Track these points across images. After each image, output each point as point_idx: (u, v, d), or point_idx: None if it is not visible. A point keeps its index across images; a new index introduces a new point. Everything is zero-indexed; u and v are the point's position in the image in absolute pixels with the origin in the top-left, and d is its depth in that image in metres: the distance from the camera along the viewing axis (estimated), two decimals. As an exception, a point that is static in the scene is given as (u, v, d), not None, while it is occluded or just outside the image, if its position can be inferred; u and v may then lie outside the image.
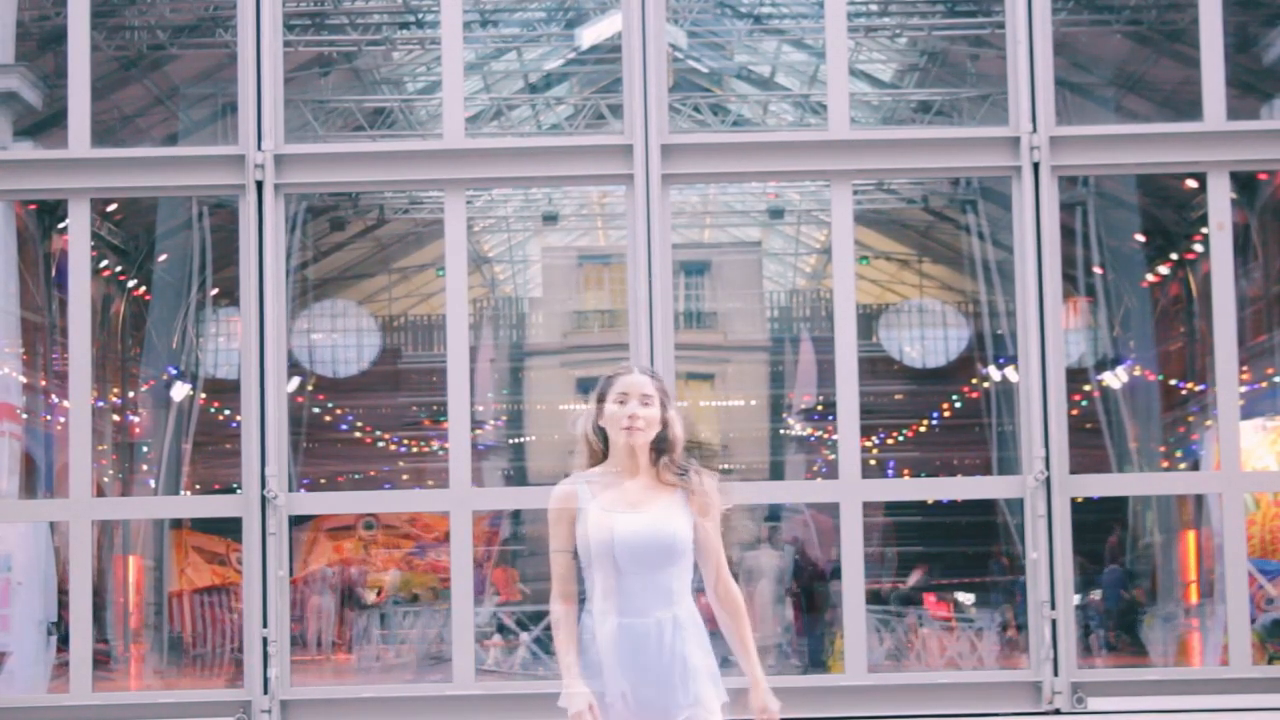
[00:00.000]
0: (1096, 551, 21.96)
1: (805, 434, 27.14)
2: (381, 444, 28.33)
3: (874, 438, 26.31)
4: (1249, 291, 19.98)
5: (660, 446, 6.39)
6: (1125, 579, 21.36)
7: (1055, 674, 15.02)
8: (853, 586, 15.43)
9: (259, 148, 14.74)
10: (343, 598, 25.13)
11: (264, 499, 14.60)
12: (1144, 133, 16.14)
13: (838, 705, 15.15)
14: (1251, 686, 15.13)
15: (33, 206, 18.59)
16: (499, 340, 28.33)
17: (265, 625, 14.75)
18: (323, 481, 25.99)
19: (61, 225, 17.85)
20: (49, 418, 19.80)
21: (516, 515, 24.52)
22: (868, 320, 26.38)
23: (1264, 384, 20.43)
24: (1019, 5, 14.24)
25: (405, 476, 28.36)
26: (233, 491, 15.98)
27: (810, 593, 20.45)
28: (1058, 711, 14.98)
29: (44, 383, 19.98)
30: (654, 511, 6.29)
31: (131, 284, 23.17)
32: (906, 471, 26.90)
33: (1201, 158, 15.72)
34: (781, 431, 27.85)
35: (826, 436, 24.18)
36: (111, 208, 20.85)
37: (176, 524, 24.06)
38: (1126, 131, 16.34)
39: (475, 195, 24.67)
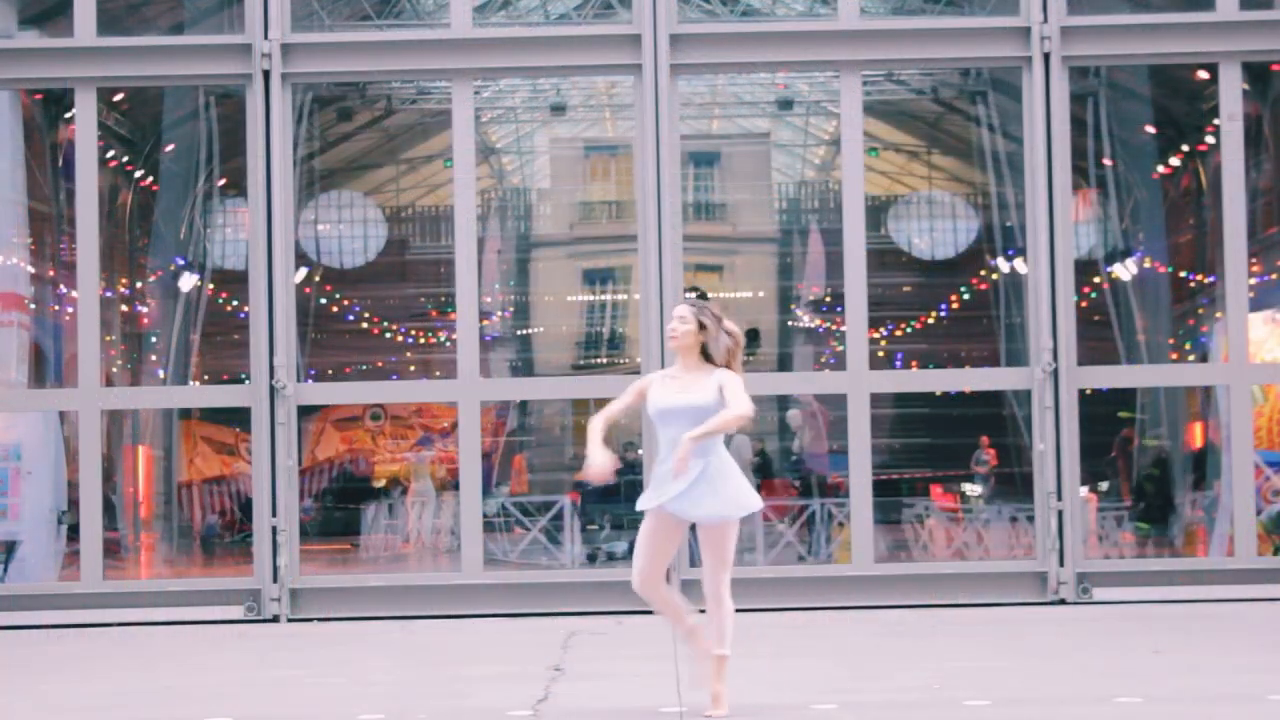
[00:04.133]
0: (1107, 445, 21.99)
1: (813, 325, 27.12)
2: (389, 335, 28.32)
3: (882, 329, 26.27)
4: (1260, 184, 19.87)
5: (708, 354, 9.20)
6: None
7: (1061, 564, 15.10)
8: (859, 478, 15.50)
9: (265, 36, 14.67)
10: (350, 487, 25.24)
11: (272, 389, 14.63)
12: (1155, 23, 16.03)
13: (845, 595, 15.24)
14: (1256, 577, 15.21)
15: (39, 96, 18.50)
16: (506, 231, 28.21)
17: (274, 514, 14.83)
18: (330, 372, 26.00)
19: (68, 115, 17.77)
20: (57, 308, 19.78)
21: (523, 406, 24.54)
22: (876, 212, 26.26)
23: (1274, 276, 20.38)
24: (1031, -107, 14.14)
25: (412, 368, 28.36)
26: (241, 382, 16.02)
27: (817, 484, 20.51)
28: (1063, 601, 15.06)
29: (52, 273, 19.95)
30: (692, 391, 9.08)
31: (139, 174, 23.06)
32: (914, 364, 26.89)
33: (1213, 48, 15.64)
34: (789, 323, 27.80)
35: (835, 328, 24.17)
36: (118, 98, 20.73)
37: (185, 414, 24.08)
38: (1138, 21, 16.23)
39: (483, 86, 24.53)
